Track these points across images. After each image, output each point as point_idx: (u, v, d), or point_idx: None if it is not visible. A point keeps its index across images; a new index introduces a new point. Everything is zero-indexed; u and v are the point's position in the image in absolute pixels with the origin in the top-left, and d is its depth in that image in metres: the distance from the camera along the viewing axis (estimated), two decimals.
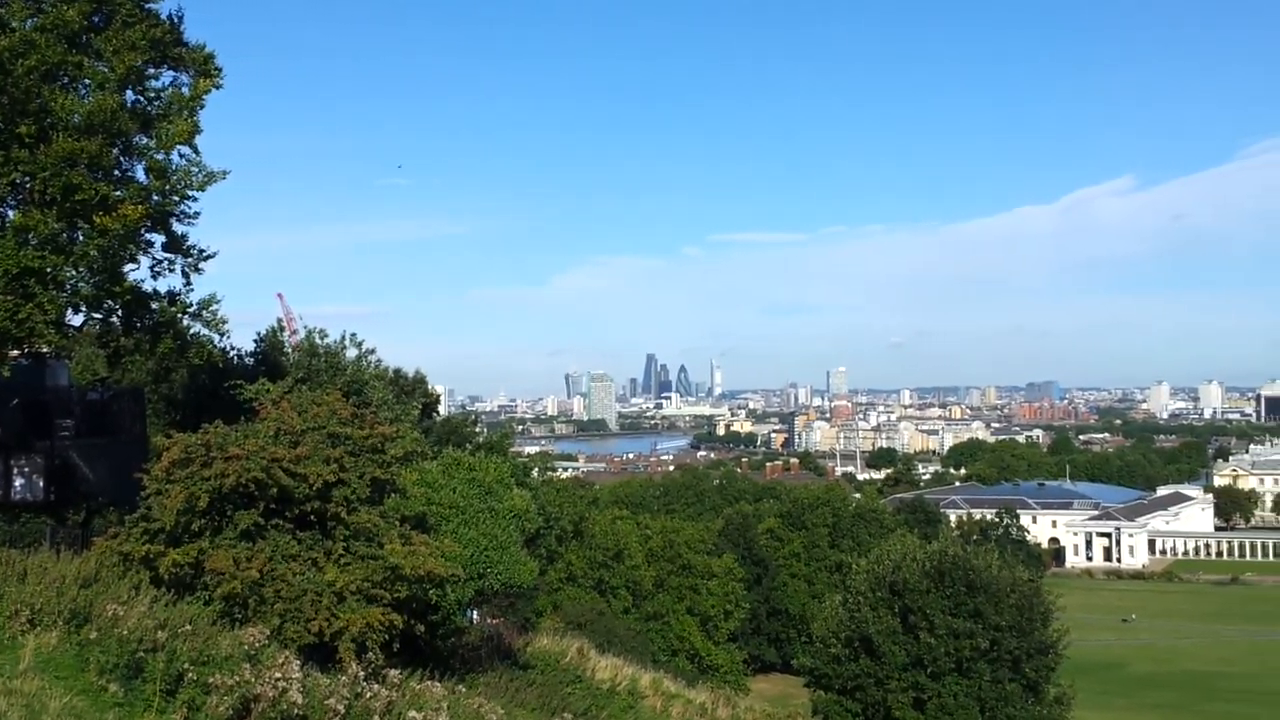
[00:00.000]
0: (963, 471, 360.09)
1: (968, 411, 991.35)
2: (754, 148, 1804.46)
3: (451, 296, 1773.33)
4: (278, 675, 17.11)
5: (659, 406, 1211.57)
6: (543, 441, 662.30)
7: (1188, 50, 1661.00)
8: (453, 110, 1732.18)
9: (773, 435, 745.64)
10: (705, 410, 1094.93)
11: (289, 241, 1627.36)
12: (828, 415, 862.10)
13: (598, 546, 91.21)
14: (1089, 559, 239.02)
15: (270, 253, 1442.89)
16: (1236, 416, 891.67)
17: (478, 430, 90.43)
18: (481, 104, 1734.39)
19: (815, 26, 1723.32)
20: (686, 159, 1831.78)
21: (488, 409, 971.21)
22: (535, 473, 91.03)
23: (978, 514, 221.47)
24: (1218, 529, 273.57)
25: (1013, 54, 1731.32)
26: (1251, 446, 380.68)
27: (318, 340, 51.36)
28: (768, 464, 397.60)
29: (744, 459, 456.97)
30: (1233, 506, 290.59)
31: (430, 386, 65.66)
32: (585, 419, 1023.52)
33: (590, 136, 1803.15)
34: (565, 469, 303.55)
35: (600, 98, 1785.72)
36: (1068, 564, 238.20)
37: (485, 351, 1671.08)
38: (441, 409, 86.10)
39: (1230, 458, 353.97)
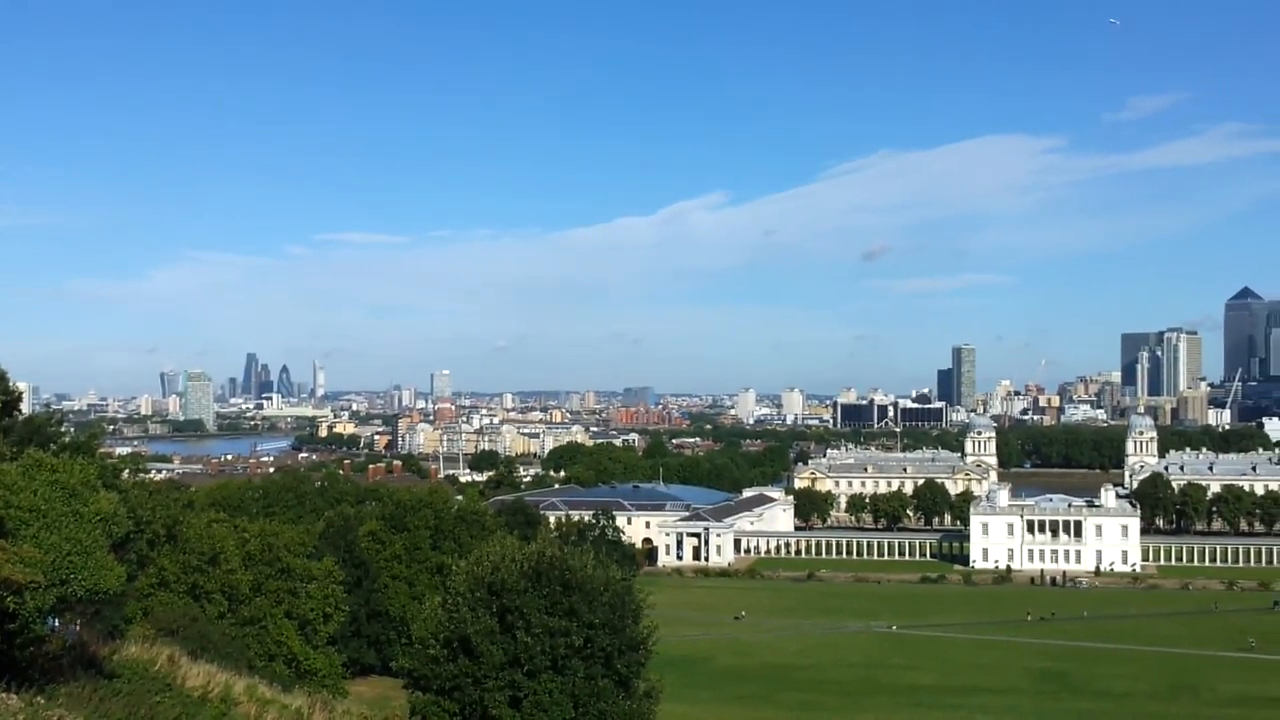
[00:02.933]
0: (562, 474, 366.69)
1: (568, 415, 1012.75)
2: (362, 147, 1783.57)
3: (38, 289, 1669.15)
4: None
5: (260, 407, 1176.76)
6: (135, 442, 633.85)
7: (777, 71, 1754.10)
8: (42, 91, 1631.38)
9: (376, 437, 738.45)
10: (308, 411, 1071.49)
11: None
12: (431, 417, 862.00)
13: (192, 550, 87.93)
14: (680, 558, 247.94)
15: None
16: (816, 422, 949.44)
17: (64, 430, 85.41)
18: (77, 85, 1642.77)
19: (418, 25, 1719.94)
20: (293, 153, 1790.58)
21: (76, 407, 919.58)
22: (126, 474, 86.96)
23: (576, 515, 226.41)
24: (797, 528, 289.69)
25: (616, 65, 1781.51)
26: (829, 451, 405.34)
27: None
28: (371, 466, 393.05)
29: (347, 461, 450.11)
30: (811, 507, 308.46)
31: (11, 383, 61.58)
32: (181, 419, 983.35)
33: (192, 124, 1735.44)
34: (159, 470, 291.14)
35: (201, 84, 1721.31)
36: (660, 563, 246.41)
37: (75, 347, 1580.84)
38: (24, 407, 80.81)
39: (809, 461, 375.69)
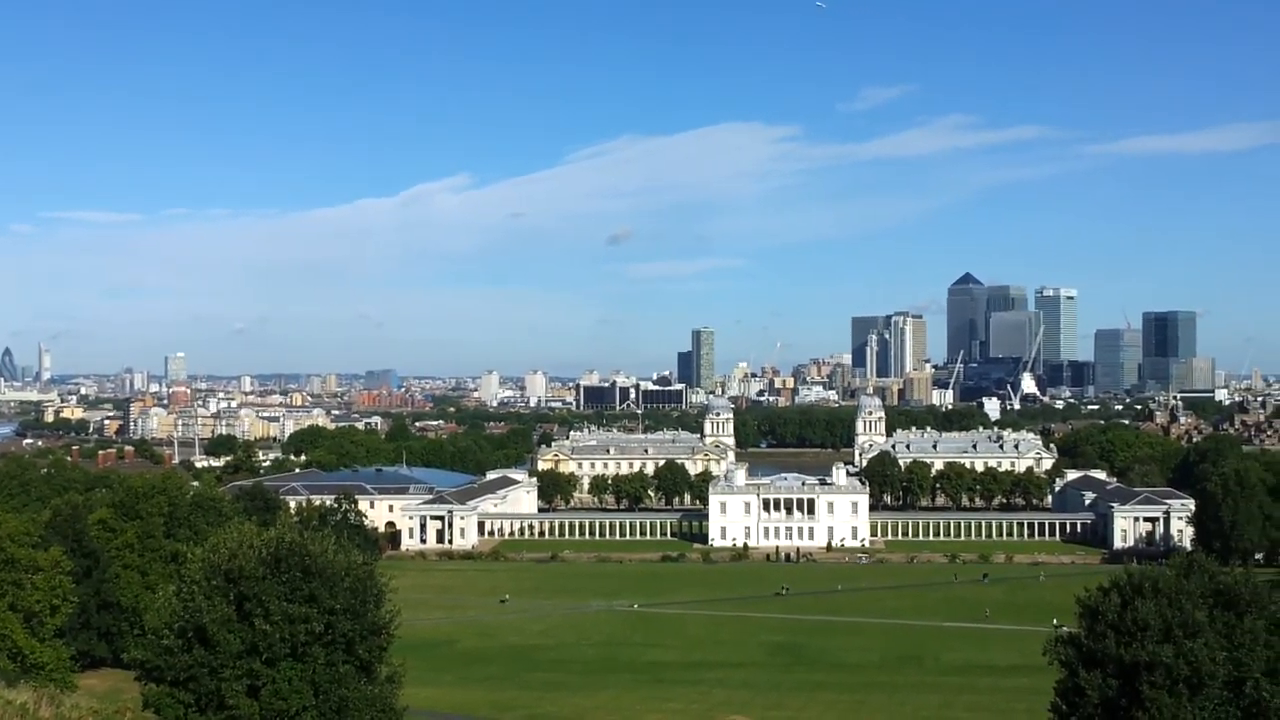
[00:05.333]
0: (303, 458, 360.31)
1: (309, 398, 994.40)
2: (92, 121, 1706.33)
3: None
4: None
5: None
6: None
7: (520, 53, 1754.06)
8: None
9: (107, 422, 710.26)
10: (33, 396, 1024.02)
11: None
12: (166, 402, 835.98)
13: None
14: (423, 541, 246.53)
15: None
16: (559, 405, 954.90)
17: None
18: None
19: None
20: (16, 126, 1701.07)
21: None
22: None
23: (317, 500, 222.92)
24: (541, 510, 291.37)
25: (353, 41, 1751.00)
26: (572, 433, 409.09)
27: None
28: (101, 452, 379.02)
29: (75, 447, 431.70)
30: (554, 489, 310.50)
31: None
32: None
33: None
34: None
35: None
36: (404, 547, 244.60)
37: None
38: None
39: (553, 443, 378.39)
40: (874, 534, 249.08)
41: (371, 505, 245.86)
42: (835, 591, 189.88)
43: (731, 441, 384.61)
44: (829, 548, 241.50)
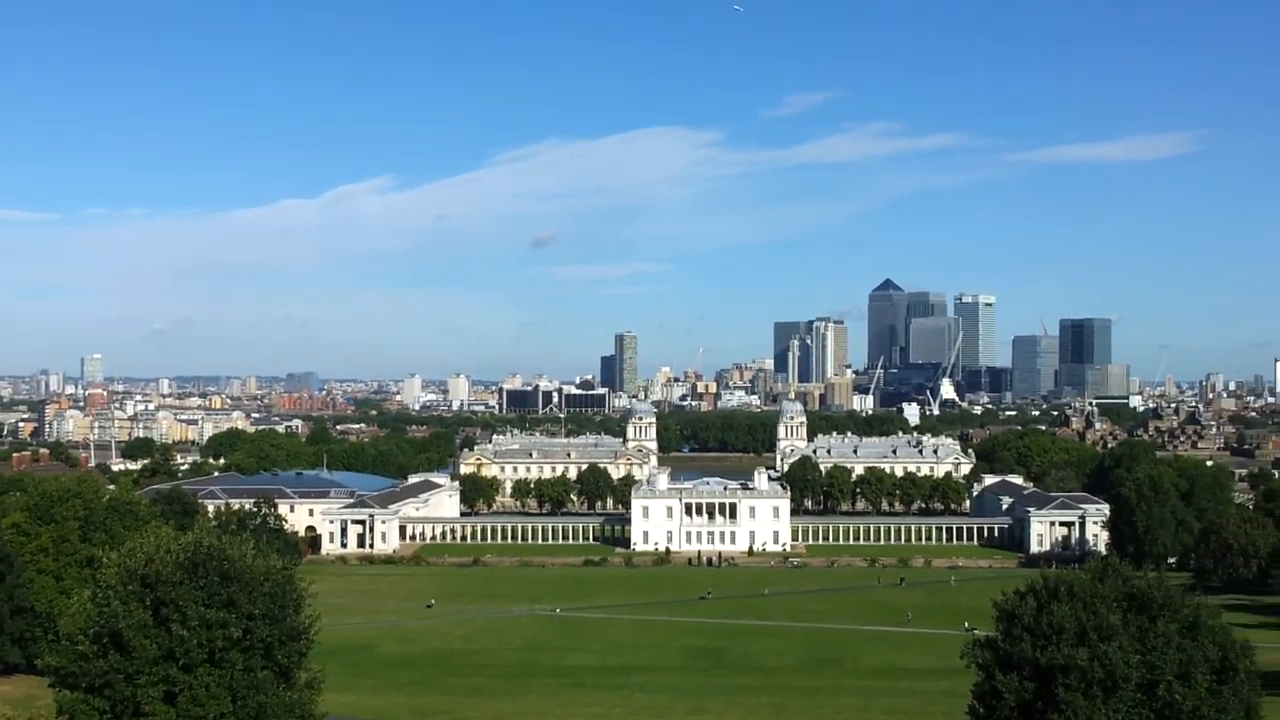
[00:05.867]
0: (222, 461, 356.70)
1: (229, 401, 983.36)
2: (6, 118, 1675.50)
3: None
4: None
5: None
6: None
7: (444, 54, 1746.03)
8: None
9: (21, 424, 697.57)
10: None
11: None
12: (82, 404, 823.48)
13: None
14: (344, 545, 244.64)
15: None
16: (482, 408, 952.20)
17: None
18: None
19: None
20: None
21: None
22: None
23: (236, 504, 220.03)
24: (463, 514, 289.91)
25: (276, 40, 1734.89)
26: (495, 436, 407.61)
27: None
28: (15, 455, 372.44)
29: None
30: (477, 493, 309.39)
31: None
32: None
33: None
34: None
35: None
36: (324, 551, 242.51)
37: None
38: None
39: (475, 447, 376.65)
40: (795, 538, 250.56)
41: (292, 509, 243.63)
42: (758, 595, 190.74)
43: (654, 446, 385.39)
44: (751, 552, 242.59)
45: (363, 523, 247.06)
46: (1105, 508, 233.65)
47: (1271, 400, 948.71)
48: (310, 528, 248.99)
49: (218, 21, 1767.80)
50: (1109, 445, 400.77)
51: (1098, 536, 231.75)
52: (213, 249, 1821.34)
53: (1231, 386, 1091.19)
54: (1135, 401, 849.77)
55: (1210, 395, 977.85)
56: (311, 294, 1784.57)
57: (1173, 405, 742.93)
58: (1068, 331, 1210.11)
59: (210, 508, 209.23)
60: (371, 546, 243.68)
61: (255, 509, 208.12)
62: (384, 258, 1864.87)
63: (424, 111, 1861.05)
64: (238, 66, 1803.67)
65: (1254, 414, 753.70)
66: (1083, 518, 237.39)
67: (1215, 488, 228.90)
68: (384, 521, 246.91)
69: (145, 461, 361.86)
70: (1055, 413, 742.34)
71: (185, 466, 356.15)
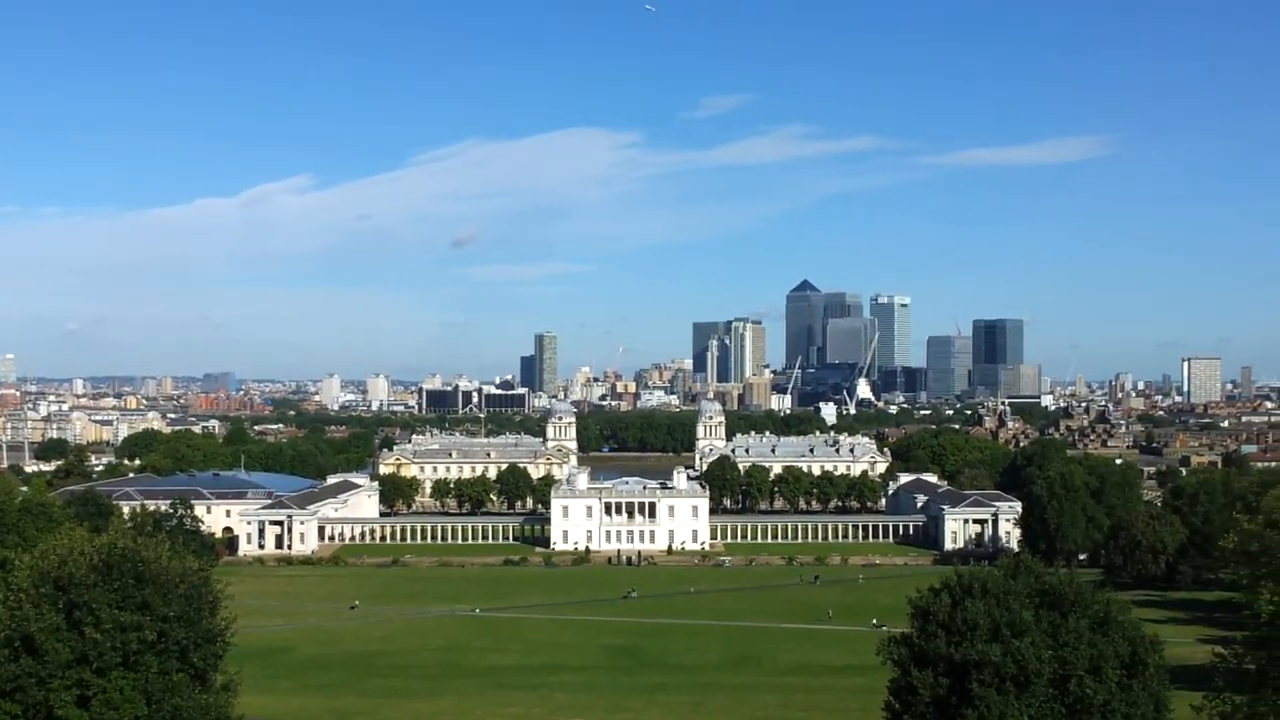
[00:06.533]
0: (138, 462, 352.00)
1: (144, 401, 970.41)
2: None
3: None
4: None
5: None
6: None
7: (362, 54, 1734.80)
8: None
9: None
10: None
11: None
12: None
13: None
14: (262, 547, 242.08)
15: None
16: (401, 408, 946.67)
17: None
18: None
19: None
20: None
21: None
22: None
23: (152, 505, 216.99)
24: (382, 514, 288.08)
25: (191, 36, 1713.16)
26: (414, 436, 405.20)
27: None
28: None
29: None
30: (396, 493, 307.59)
31: None
32: None
33: None
34: None
35: None
36: (241, 552, 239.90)
37: None
38: None
39: (395, 447, 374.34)
40: (714, 537, 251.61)
41: (208, 510, 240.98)
42: (680, 594, 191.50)
43: (574, 445, 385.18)
44: (670, 551, 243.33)
45: (281, 524, 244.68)
46: (1018, 505, 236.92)
47: (1179, 399, 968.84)
48: (227, 529, 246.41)
49: (132, 17, 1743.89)
50: (1021, 444, 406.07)
51: (1010, 534, 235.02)
52: (128, 248, 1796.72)
53: (1140, 386, 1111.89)
54: (1047, 401, 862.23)
55: (1119, 394, 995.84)
56: (229, 294, 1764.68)
57: (1083, 404, 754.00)
58: (981, 332, 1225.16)
59: (125, 509, 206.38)
60: (289, 547, 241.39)
61: (171, 510, 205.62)
62: (303, 257, 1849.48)
63: (344, 111, 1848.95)
64: (154, 63, 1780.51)
65: (1162, 413, 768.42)
66: (995, 515, 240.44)
67: (1124, 485, 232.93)
68: (302, 522, 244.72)
69: (59, 463, 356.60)
70: (969, 412, 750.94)
71: (100, 468, 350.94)
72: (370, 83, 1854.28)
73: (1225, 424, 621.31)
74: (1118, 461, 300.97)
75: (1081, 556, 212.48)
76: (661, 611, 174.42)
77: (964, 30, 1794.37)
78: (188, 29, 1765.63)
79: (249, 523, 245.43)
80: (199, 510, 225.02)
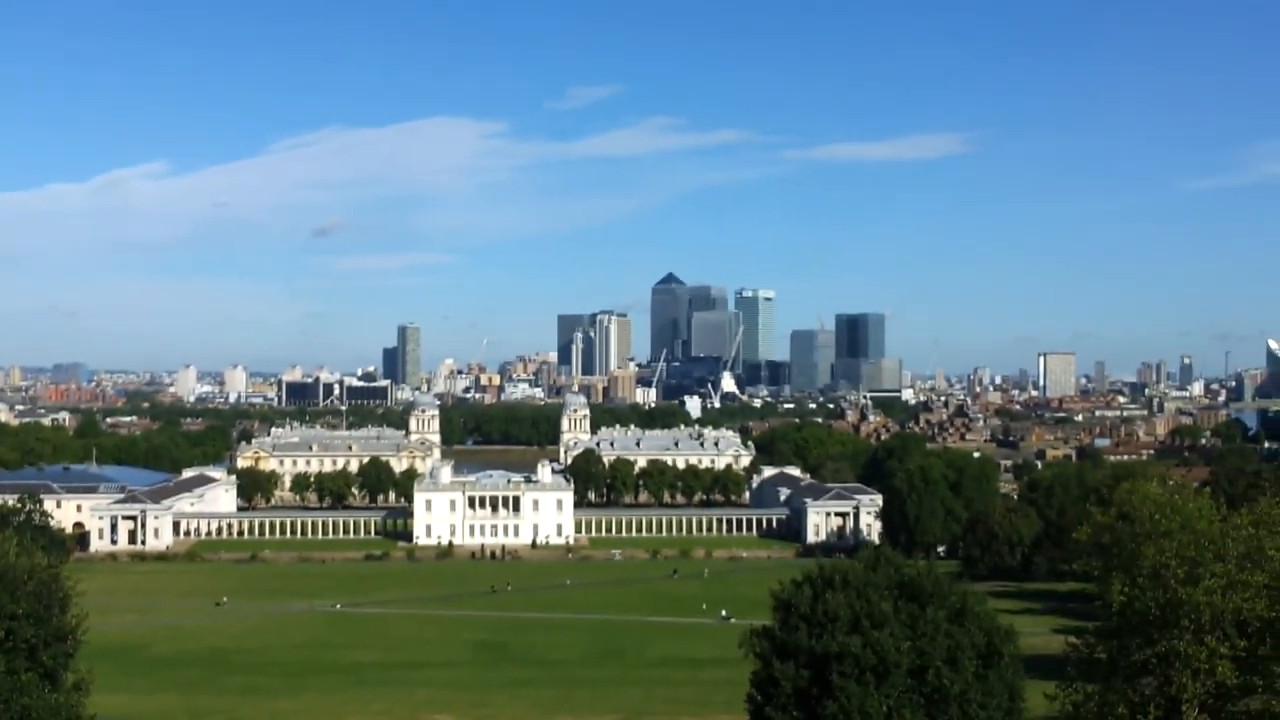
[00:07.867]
0: None
1: None
2: None
3: None
4: None
5: None
6: None
7: (216, 39, 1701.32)
8: None
9: None
10: None
11: None
12: None
13: None
14: (114, 542, 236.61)
15: None
16: (260, 401, 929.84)
17: None
18: None
19: None
20: None
21: None
22: None
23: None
24: (240, 509, 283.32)
25: (46, 18, 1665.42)
26: (273, 429, 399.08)
27: None
28: None
29: None
30: (255, 487, 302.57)
31: None
32: None
33: None
34: None
35: None
36: (93, 548, 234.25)
37: None
38: None
39: (253, 440, 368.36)
40: (579, 531, 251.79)
41: (58, 505, 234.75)
42: (550, 589, 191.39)
43: (437, 439, 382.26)
44: (534, 545, 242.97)
45: (134, 519, 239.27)
46: (878, 498, 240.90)
47: (1035, 394, 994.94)
48: (78, 524, 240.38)
49: None
50: (882, 437, 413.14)
51: (871, 526, 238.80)
52: None
53: (998, 380, 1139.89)
54: (907, 395, 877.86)
55: (978, 389, 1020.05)
56: (80, 282, 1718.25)
57: (943, 398, 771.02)
58: (843, 326, 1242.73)
59: None
60: (144, 543, 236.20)
61: (19, 505, 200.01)
62: (158, 246, 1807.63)
63: (199, 96, 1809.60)
64: (0, 46, 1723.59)
65: (1018, 407, 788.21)
66: (857, 508, 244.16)
67: (982, 479, 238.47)
68: (157, 517, 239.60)
69: None
70: (831, 406, 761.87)
71: None
72: (226, 68, 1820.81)
73: (1079, 418, 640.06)
74: (975, 455, 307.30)
75: (940, 549, 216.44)
76: (527, 606, 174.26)
77: (829, 26, 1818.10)
78: (36, 12, 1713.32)
79: (101, 518, 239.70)
80: (48, 505, 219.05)
